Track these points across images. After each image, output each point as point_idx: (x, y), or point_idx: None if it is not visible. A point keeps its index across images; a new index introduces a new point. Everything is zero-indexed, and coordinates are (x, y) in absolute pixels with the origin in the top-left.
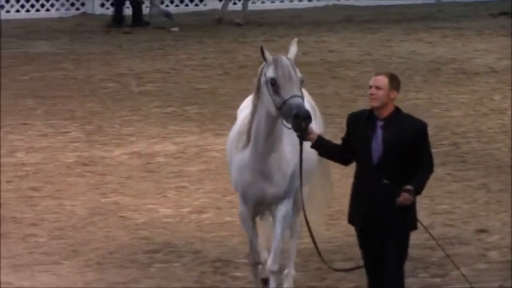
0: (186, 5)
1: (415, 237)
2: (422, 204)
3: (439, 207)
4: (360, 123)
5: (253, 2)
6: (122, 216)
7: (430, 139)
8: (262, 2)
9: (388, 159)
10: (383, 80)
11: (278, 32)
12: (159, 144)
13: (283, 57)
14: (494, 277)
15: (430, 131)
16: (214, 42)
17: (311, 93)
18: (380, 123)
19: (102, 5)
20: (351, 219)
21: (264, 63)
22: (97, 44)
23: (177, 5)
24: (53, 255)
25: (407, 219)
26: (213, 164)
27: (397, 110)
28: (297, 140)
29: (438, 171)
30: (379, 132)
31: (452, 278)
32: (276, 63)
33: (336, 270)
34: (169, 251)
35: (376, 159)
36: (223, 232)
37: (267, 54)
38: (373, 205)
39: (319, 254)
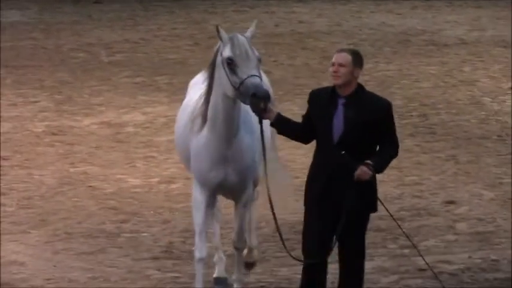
0: None
1: (383, 209)
2: (391, 176)
3: (408, 178)
4: (322, 101)
5: None
6: (90, 186)
7: (400, 110)
8: None
9: (349, 137)
10: (346, 57)
11: (248, 3)
12: (128, 114)
13: (240, 36)
14: (463, 248)
15: (399, 102)
16: (184, 12)
17: (280, 64)
18: (342, 101)
19: None
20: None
21: (220, 42)
22: (66, 14)
23: None
24: (21, 225)
25: (366, 198)
26: None
27: (360, 87)
28: (253, 121)
29: (407, 142)
30: (341, 110)
31: (421, 249)
32: (233, 41)
33: (295, 259)
34: (138, 221)
35: (337, 137)
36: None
37: (223, 33)
38: (332, 180)
39: (282, 242)
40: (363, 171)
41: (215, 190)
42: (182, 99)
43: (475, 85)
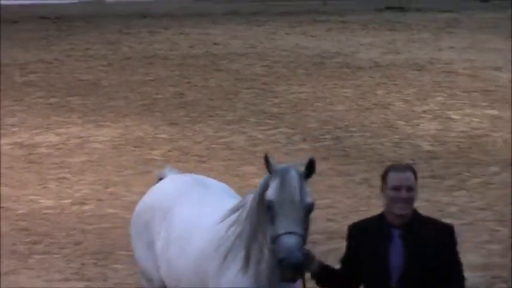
0: None
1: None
2: None
3: (321, 201)
4: (371, 236)
5: None
6: (2, 207)
7: (313, 132)
8: None
9: (411, 276)
10: (412, 178)
11: (162, 23)
12: (42, 135)
13: (294, 173)
14: None
15: (313, 125)
16: (98, 32)
17: (194, 86)
18: (397, 232)
19: None
20: None
21: (268, 174)
22: None
23: None
24: None
25: None
26: (95, 156)
27: (415, 212)
28: None
29: (321, 165)
30: (398, 244)
31: None
32: (282, 179)
33: None
34: (50, 242)
35: (397, 278)
36: (105, 224)
37: (274, 163)
38: None
39: None
40: None
41: None
42: (95, 120)
43: (389, 108)
